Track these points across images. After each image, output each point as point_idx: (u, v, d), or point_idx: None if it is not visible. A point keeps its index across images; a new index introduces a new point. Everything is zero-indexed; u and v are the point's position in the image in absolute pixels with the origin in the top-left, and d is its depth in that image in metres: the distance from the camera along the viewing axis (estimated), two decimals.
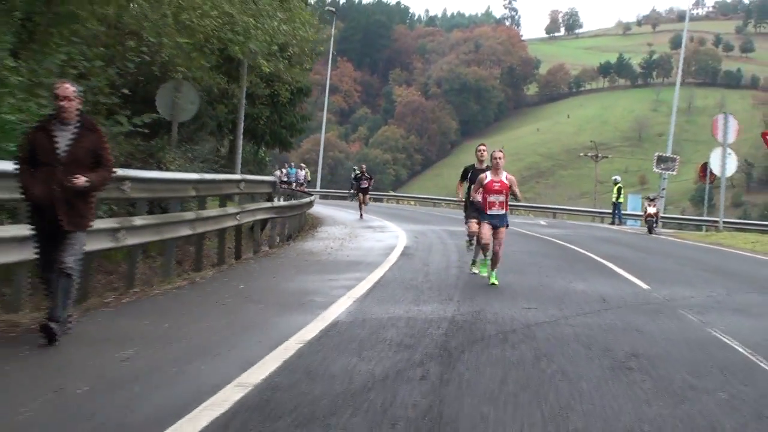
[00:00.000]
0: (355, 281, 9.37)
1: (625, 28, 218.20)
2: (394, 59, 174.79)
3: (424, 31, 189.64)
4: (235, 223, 11.34)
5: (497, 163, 9.87)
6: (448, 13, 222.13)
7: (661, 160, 33.46)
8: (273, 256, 12.65)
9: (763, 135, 23.22)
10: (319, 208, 25.78)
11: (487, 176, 9.95)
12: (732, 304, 9.12)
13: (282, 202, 16.23)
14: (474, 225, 10.34)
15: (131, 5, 11.06)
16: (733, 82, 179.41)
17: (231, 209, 11.25)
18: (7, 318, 6.35)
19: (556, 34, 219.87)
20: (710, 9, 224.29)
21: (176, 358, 5.33)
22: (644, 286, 10.33)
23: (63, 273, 5.71)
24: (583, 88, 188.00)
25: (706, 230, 28.58)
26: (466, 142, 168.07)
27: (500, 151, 10.16)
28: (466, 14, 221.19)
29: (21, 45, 8.95)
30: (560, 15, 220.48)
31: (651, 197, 25.77)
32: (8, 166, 6.15)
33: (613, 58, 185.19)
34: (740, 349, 6.44)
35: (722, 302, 9.26)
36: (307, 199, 19.55)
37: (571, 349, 6.07)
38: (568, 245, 16.97)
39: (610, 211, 33.71)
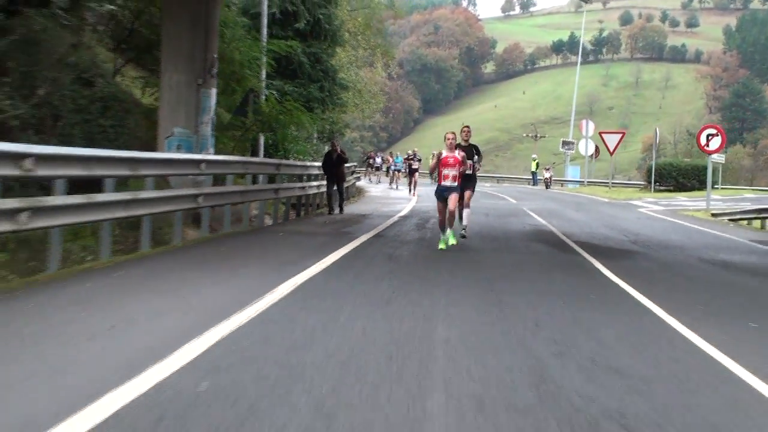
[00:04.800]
0: (407, 201, 27.38)
1: (577, 6, 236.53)
2: None
3: (386, 14, 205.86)
4: (353, 182, 29.42)
5: (450, 143, 11.90)
6: None
7: (564, 143, 52.28)
8: (363, 197, 30.59)
9: (600, 134, 40.98)
10: None
11: (443, 153, 11.91)
12: (541, 204, 27.62)
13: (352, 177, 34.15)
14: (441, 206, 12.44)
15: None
16: (678, 56, 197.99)
17: (352, 177, 29.31)
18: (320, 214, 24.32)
19: (511, 13, 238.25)
20: None
21: (368, 211, 23.40)
22: (515, 202, 28.80)
23: (340, 193, 23.27)
24: (537, 66, 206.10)
25: (581, 186, 47.56)
26: (428, 119, 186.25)
27: (451, 132, 12.13)
28: None
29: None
30: None
31: (546, 167, 44.98)
32: (318, 163, 23.72)
33: (565, 36, 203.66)
34: (527, 210, 24.77)
35: (538, 203, 27.73)
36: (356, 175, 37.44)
37: (480, 212, 24.31)
38: (493, 193, 35.34)
39: (545, 177, 52.41)
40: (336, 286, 8.12)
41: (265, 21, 22.72)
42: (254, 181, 16.95)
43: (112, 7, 13.52)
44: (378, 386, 4.56)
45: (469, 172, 13.19)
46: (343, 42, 28.10)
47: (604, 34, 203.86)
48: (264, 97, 20.12)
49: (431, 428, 3.94)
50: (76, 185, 9.13)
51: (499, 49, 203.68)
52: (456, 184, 12.00)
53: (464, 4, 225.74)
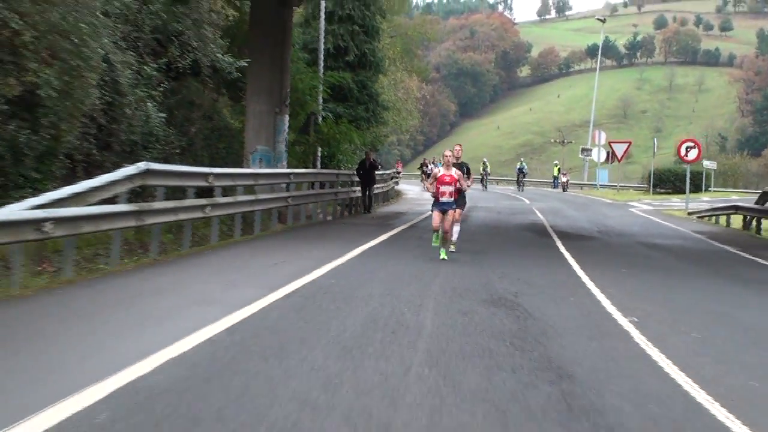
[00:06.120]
0: None
1: (612, 10, 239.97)
2: None
3: (422, 19, 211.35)
4: (392, 186, 35.11)
5: (447, 160, 12.95)
6: (444, 0, 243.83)
7: (583, 150, 57.50)
8: (401, 199, 36.17)
9: (610, 143, 46.17)
10: None
11: (440, 170, 13.11)
12: (549, 204, 33.04)
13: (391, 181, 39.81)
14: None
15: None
16: (712, 60, 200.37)
17: (391, 181, 34.99)
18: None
19: (547, 17, 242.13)
20: None
21: (405, 210, 28.98)
22: (528, 202, 34.28)
23: (370, 197, 28.84)
24: (572, 69, 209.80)
25: (597, 189, 52.84)
26: (464, 122, 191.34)
27: (449, 150, 13.19)
28: (461, 0, 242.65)
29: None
30: None
31: (564, 172, 50.41)
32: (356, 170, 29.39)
33: (600, 40, 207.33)
34: (534, 209, 30.17)
35: (547, 204, 33.18)
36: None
37: (495, 210, 29.77)
38: (513, 195, 40.74)
39: (562, 181, 57.86)
40: (385, 251, 13.79)
41: (322, 56, 28.48)
42: (322, 186, 22.54)
43: (239, 74, 19.25)
44: (409, 283, 10.21)
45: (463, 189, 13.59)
46: (385, 70, 34.00)
47: (639, 38, 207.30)
48: (321, 118, 25.88)
49: (432, 293, 9.55)
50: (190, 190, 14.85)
51: (535, 53, 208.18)
52: (452, 200, 13.08)
53: (500, 8, 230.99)
